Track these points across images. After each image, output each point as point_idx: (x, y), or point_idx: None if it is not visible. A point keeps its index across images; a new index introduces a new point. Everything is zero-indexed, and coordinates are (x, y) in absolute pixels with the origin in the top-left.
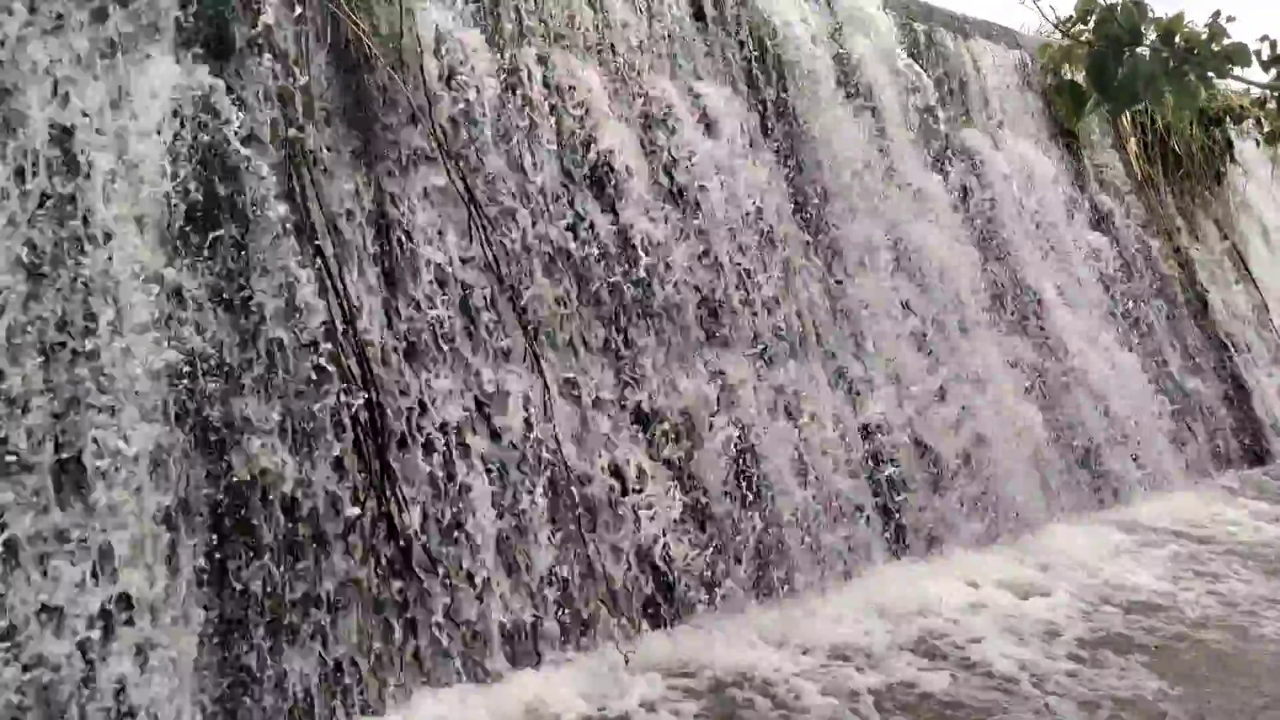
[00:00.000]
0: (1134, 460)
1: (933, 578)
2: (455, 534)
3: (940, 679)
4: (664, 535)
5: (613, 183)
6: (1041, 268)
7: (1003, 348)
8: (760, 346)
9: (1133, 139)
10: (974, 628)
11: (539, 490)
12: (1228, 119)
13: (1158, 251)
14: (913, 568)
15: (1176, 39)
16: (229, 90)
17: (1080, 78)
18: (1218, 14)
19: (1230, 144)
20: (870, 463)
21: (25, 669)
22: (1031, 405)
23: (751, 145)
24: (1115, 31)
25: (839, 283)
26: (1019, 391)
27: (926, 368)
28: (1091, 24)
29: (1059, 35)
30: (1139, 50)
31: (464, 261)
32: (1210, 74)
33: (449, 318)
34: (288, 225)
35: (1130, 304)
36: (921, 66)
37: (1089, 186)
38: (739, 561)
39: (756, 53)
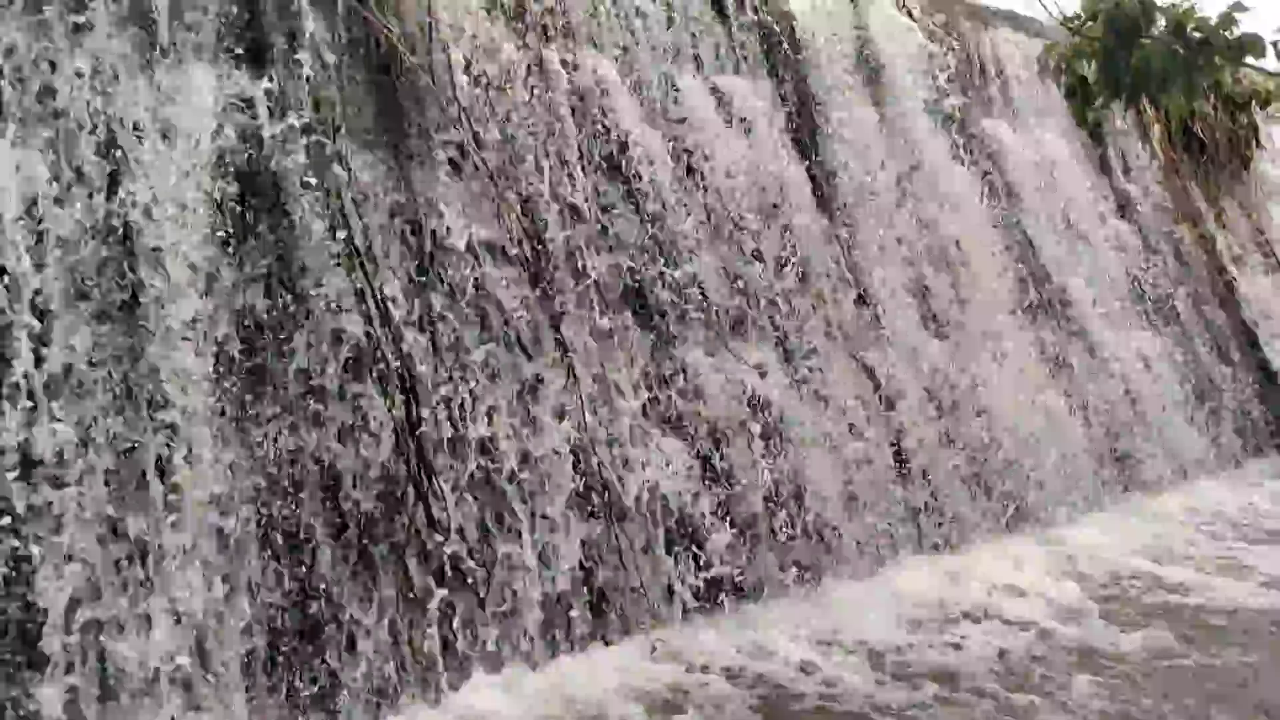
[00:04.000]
0: (1160, 449)
1: (957, 567)
2: (492, 526)
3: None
4: (694, 526)
5: (636, 176)
6: (1065, 255)
7: (1026, 335)
8: (785, 339)
9: (1157, 125)
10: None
11: (572, 483)
12: (1254, 104)
13: (1183, 238)
14: (937, 559)
15: (1188, 30)
16: (266, 94)
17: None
18: (1238, 5)
19: (1256, 129)
20: (895, 453)
21: None
22: (1056, 393)
23: (772, 136)
24: (1123, 24)
25: (861, 273)
26: (1043, 379)
27: (949, 356)
28: (1100, 20)
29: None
30: (1148, 42)
31: (493, 256)
32: (1223, 65)
33: (480, 313)
34: (324, 225)
35: (1155, 291)
36: (942, 55)
37: (1113, 174)
38: (769, 553)
39: (776, 43)
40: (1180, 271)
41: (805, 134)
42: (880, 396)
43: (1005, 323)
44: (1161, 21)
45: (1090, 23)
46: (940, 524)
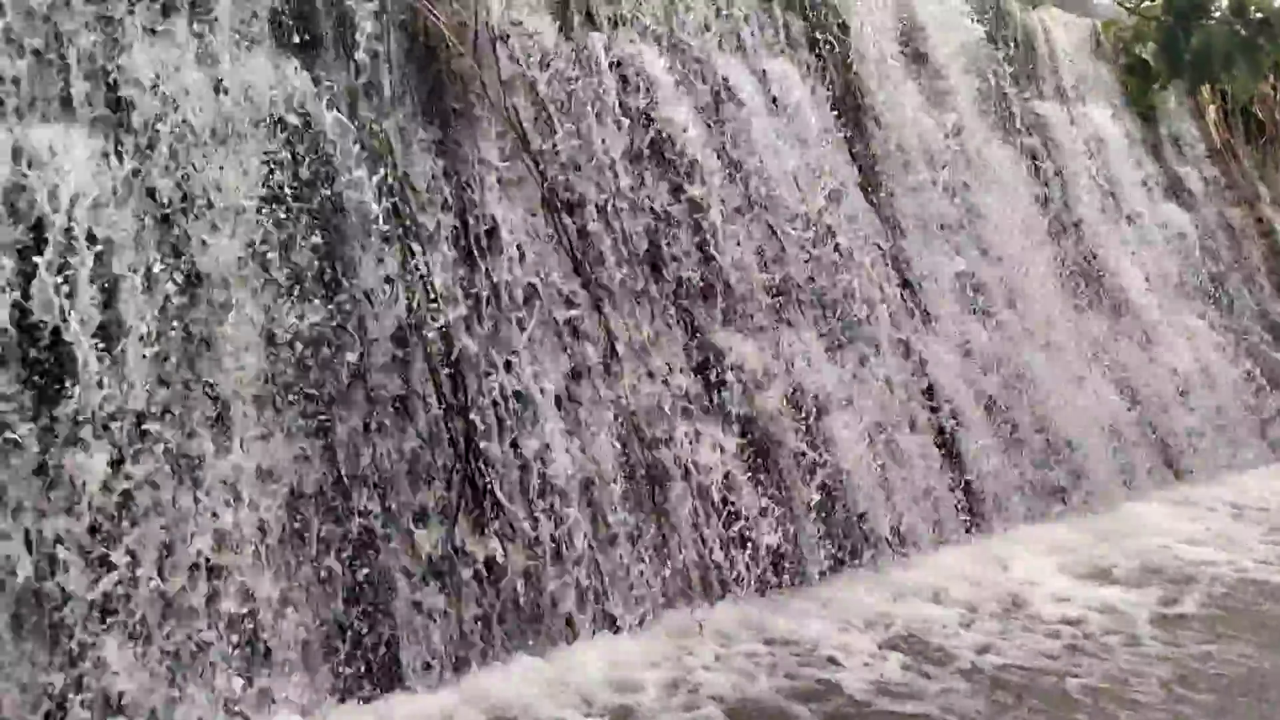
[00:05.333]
0: (1212, 436)
1: (1003, 552)
2: (536, 503)
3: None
4: (734, 508)
5: (679, 162)
6: (1115, 238)
7: (1074, 319)
8: (828, 324)
9: (1212, 106)
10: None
11: (614, 464)
12: None
13: (1238, 221)
14: (982, 542)
15: (1249, 10)
16: (317, 82)
17: (1149, 55)
18: None
19: None
20: (938, 436)
21: None
22: (1104, 379)
23: (817, 119)
24: (1184, 4)
25: (906, 257)
26: (1091, 364)
27: (995, 340)
28: (1159, 1)
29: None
30: (1209, 24)
31: (537, 240)
32: None
33: (525, 296)
34: (373, 210)
35: (1208, 275)
36: (990, 36)
37: (1165, 155)
38: (807, 535)
39: (820, 25)
40: (1234, 255)
41: (849, 117)
42: (925, 381)
43: (1052, 307)
44: (1223, 1)
45: (1148, 3)
46: (985, 510)
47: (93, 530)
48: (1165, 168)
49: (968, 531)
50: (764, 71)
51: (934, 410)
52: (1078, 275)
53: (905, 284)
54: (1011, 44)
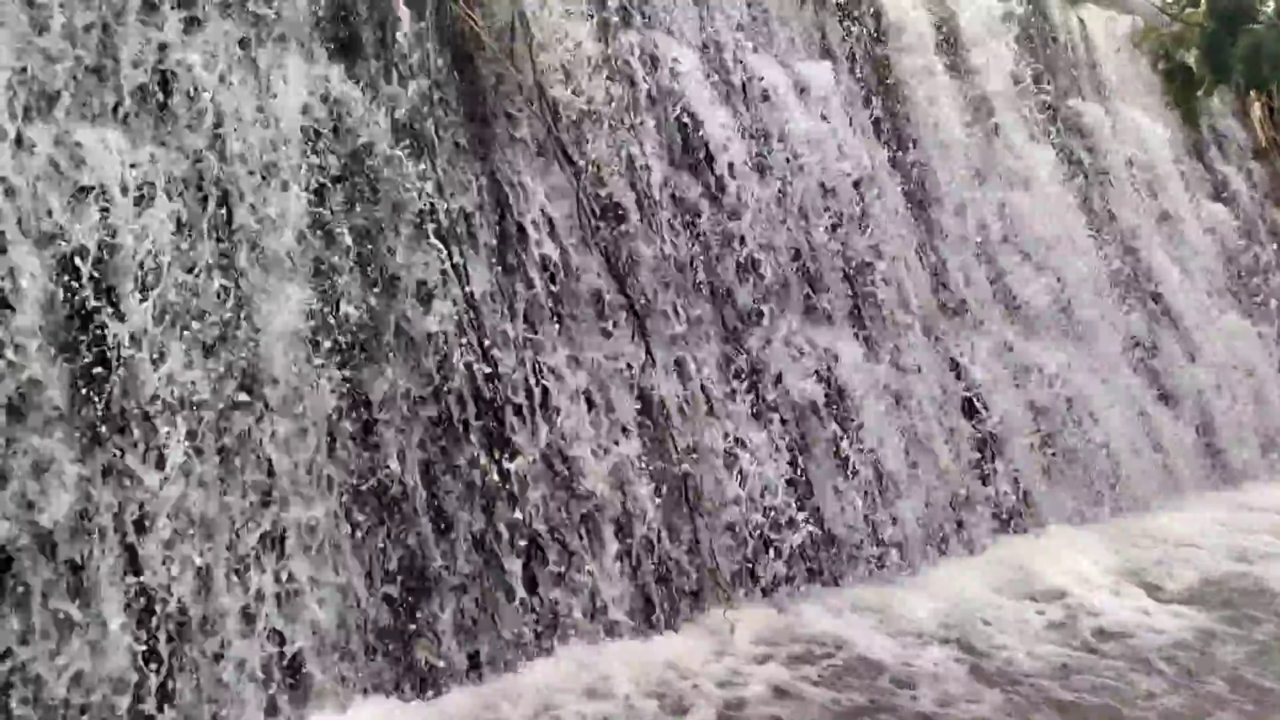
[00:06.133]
0: (1256, 440)
1: (1038, 555)
2: (571, 504)
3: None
4: (770, 508)
5: (714, 162)
6: (1155, 238)
7: (1114, 321)
8: (863, 323)
9: (1256, 104)
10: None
11: (648, 462)
12: None
13: None
14: (1014, 546)
15: None
16: (357, 81)
17: (1193, 60)
18: None
19: None
20: (974, 436)
21: None
22: (1144, 381)
23: (852, 119)
24: (1229, 8)
25: (942, 257)
26: (1130, 366)
27: (1032, 341)
28: (1203, 5)
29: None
30: (1256, 28)
31: (571, 237)
32: None
33: (559, 292)
34: (412, 207)
35: (1252, 277)
36: (1028, 34)
37: (1207, 154)
38: (841, 535)
39: (857, 25)
40: (1278, 255)
41: (885, 116)
42: (961, 382)
43: (1092, 308)
44: (1269, 6)
45: (1191, 9)
46: (1020, 512)
47: None
48: (1208, 167)
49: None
50: (800, 72)
51: (971, 412)
52: (1118, 275)
53: (942, 285)
54: (1050, 42)
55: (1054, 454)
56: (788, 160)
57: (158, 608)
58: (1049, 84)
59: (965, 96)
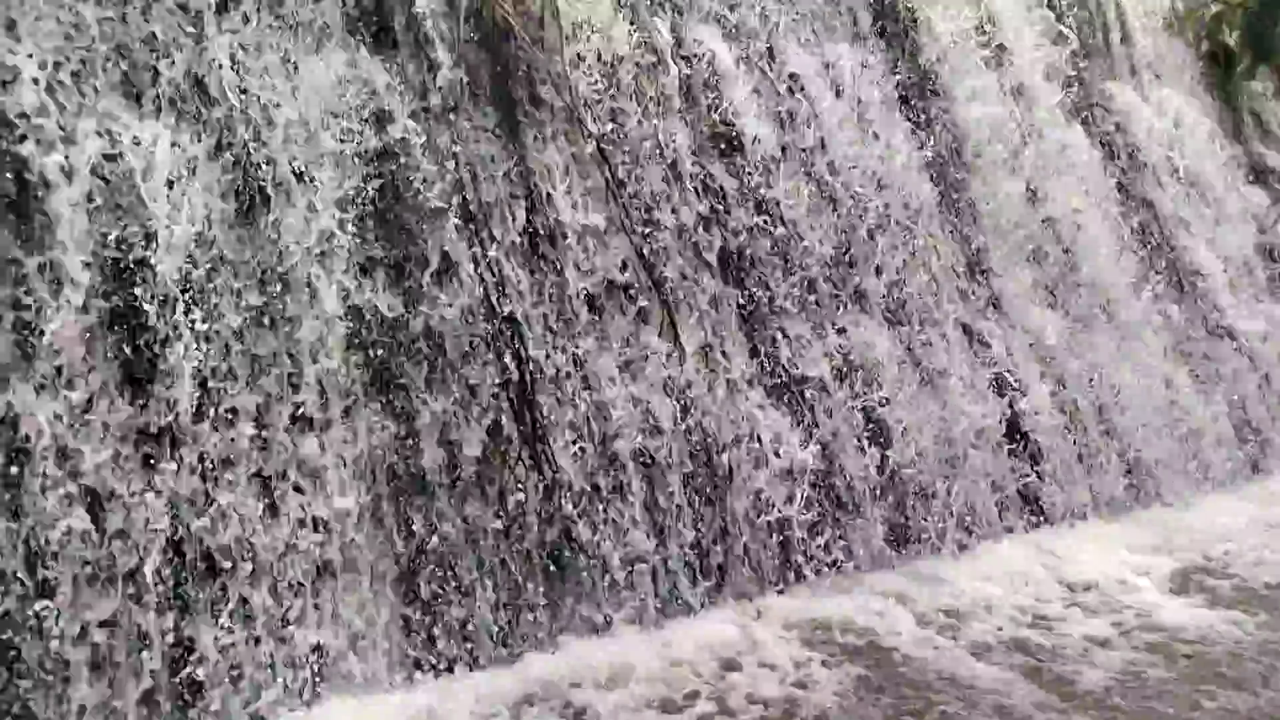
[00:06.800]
0: None
1: (1062, 545)
2: (603, 491)
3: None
4: (794, 495)
5: (745, 151)
6: (1193, 223)
7: (1148, 307)
8: (893, 310)
9: None
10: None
11: (677, 454)
12: None
13: None
14: (1042, 537)
15: None
16: (388, 71)
17: (1234, 42)
18: None
19: None
20: (1005, 427)
21: None
22: (1179, 368)
23: (883, 104)
24: None
25: (973, 242)
26: (1166, 354)
27: (1064, 328)
28: None
29: None
30: None
31: (603, 230)
32: None
33: (588, 281)
34: (443, 197)
35: None
36: (1061, 14)
37: (1248, 137)
38: (869, 524)
39: (887, 9)
40: None
41: (916, 101)
42: (991, 369)
43: (1125, 293)
44: None
45: None
46: (1052, 501)
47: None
48: (1248, 149)
49: (1034, 524)
50: (831, 59)
51: (1001, 398)
52: (1154, 260)
53: (974, 270)
54: (1086, 24)
55: (1084, 441)
56: (819, 147)
57: None
58: (1085, 66)
59: (999, 79)
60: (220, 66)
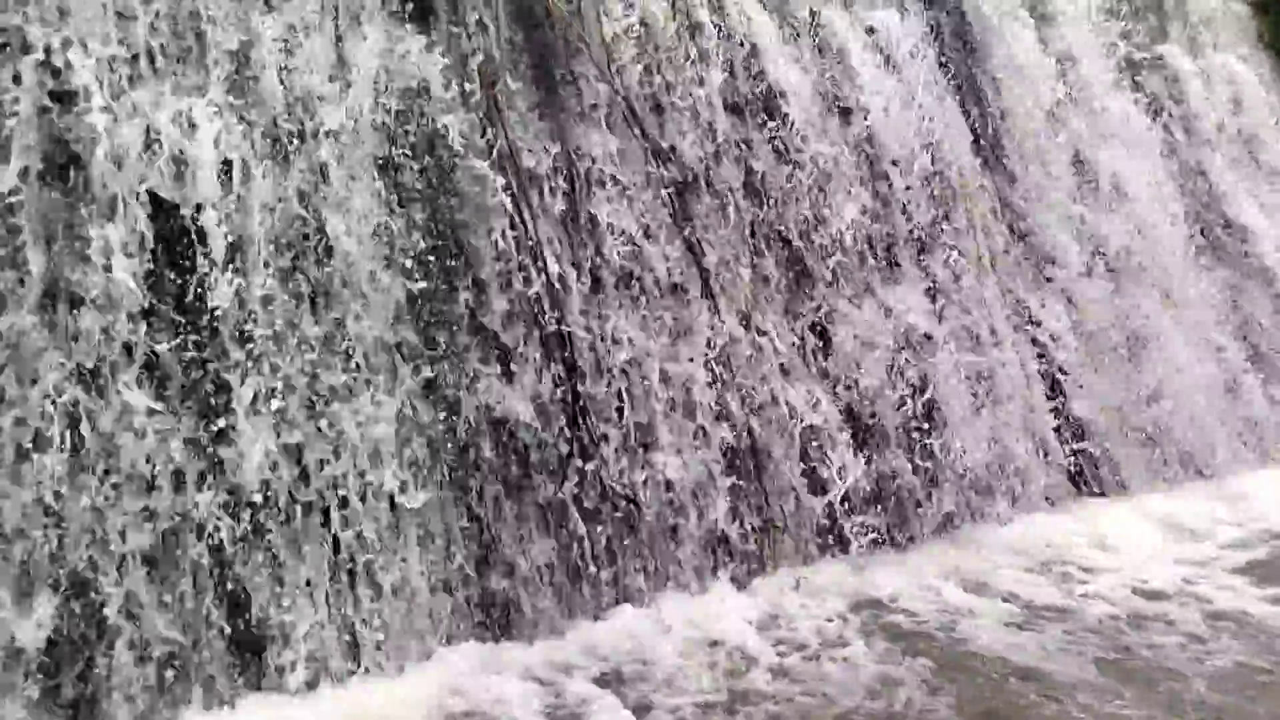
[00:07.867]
0: None
1: (1111, 517)
2: (644, 465)
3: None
4: (834, 468)
5: (785, 119)
6: (1247, 191)
7: (1200, 277)
8: (937, 281)
9: None
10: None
11: (718, 424)
12: None
13: None
14: (1091, 507)
15: None
16: (429, 50)
17: None
18: None
19: None
20: (1050, 399)
21: None
22: (1231, 338)
23: (925, 71)
24: None
25: (1019, 212)
26: (1217, 325)
27: (1114, 298)
28: None
29: None
30: None
31: (642, 202)
32: None
33: (631, 258)
34: (486, 176)
35: None
36: None
37: None
38: (908, 496)
39: None
40: None
41: (960, 68)
42: (1038, 341)
43: (1176, 263)
44: None
45: None
46: (1098, 473)
47: None
48: None
49: (1080, 495)
50: (872, 24)
51: (1046, 369)
52: (1205, 230)
53: (1020, 238)
54: None
55: (1134, 414)
56: (859, 116)
57: None
58: (1135, 29)
59: (1045, 44)
60: (270, 50)
